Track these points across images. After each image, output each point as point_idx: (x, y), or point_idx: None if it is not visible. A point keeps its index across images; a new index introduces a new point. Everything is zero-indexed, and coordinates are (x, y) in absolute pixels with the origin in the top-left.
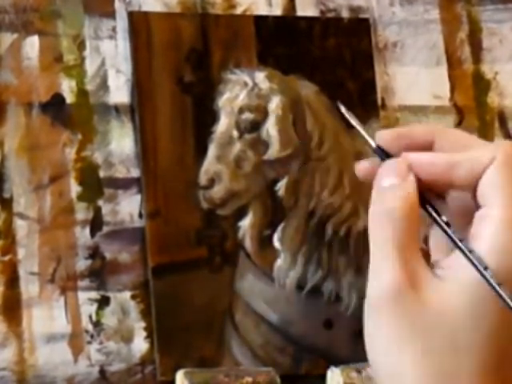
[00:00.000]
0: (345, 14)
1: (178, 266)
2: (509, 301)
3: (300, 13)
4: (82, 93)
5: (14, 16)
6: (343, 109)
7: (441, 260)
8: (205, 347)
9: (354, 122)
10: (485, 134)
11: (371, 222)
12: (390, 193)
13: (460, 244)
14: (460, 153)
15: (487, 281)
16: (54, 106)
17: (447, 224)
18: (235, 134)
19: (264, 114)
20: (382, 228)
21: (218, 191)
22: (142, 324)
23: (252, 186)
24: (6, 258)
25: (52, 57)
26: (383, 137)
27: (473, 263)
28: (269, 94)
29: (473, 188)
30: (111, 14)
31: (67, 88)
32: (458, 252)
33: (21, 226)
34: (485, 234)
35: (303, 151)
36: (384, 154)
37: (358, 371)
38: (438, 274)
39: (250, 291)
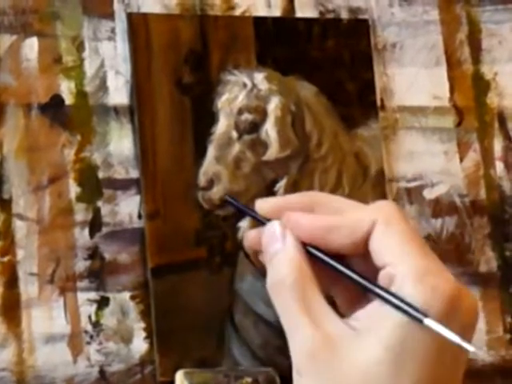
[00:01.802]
0: (344, 15)
1: (177, 267)
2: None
3: (299, 14)
4: (81, 94)
5: (13, 17)
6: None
7: (356, 311)
8: (204, 347)
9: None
10: (484, 134)
11: (271, 294)
12: (275, 260)
13: (370, 285)
14: (339, 216)
15: (409, 310)
16: (53, 107)
17: (354, 272)
18: (234, 134)
19: (263, 114)
20: (280, 298)
21: (217, 192)
22: (142, 324)
23: (251, 187)
24: (5, 259)
25: (51, 58)
26: (263, 207)
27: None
28: (268, 95)
29: (357, 251)
30: (110, 16)
31: (66, 89)
32: (374, 302)
33: (20, 227)
34: (397, 291)
35: (302, 152)
36: (266, 220)
37: None
38: (353, 326)
39: (249, 292)
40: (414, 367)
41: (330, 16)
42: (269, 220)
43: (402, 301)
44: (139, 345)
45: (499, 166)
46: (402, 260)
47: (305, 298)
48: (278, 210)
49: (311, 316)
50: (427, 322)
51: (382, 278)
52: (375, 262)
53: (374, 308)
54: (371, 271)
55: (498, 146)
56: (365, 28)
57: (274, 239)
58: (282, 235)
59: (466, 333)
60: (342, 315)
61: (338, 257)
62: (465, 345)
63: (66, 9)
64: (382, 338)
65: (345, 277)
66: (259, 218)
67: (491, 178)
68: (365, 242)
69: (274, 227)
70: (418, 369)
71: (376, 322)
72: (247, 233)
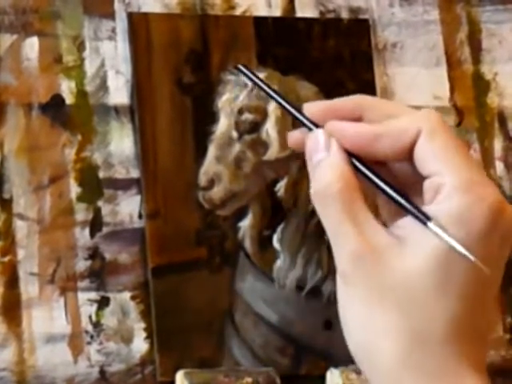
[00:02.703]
0: (344, 15)
1: (177, 267)
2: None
3: (299, 14)
4: (81, 94)
5: (14, 17)
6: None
7: (400, 219)
8: (205, 348)
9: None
10: (484, 134)
11: (314, 202)
12: (319, 169)
13: (400, 199)
14: (384, 124)
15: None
16: (54, 107)
17: (390, 187)
18: (235, 134)
19: (263, 114)
20: (326, 206)
21: (217, 192)
22: (142, 324)
23: (251, 187)
24: (6, 259)
25: (52, 58)
26: (310, 109)
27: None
28: None
29: (402, 159)
30: (111, 15)
31: (67, 89)
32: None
33: (21, 227)
34: (443, 204)
35: (303, 152)
36: (312, 124)
37: (358, 373)
38: (397, 235)
39: (249, 292)
40: (458, 280)
41: (331, 16)
42: (314, 124)
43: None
44: (139, 345)
45: (499, 166)
46: (449, 169)
47: (350, 206)
48: (325, 114)
49: (356, 224)
50: (430, 225)
51: (428, 187)
52: (420, 171)
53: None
54: (416, 179)
55: (498, 145)
56: (365, 28)
57: (318, 147)
58: (326, 144)
59: (505, 242)
60: (386, 225)
61: (383, 164)
62: (466, 252)
63: (66, 8)
64: (426, 249)
65: (381, 191)
66: (303, 120)
67: (491, 177)
68: (410, 150)
69: (318, 135)
70: (461, 283)
71: (419, 233)
72: (290, 132)
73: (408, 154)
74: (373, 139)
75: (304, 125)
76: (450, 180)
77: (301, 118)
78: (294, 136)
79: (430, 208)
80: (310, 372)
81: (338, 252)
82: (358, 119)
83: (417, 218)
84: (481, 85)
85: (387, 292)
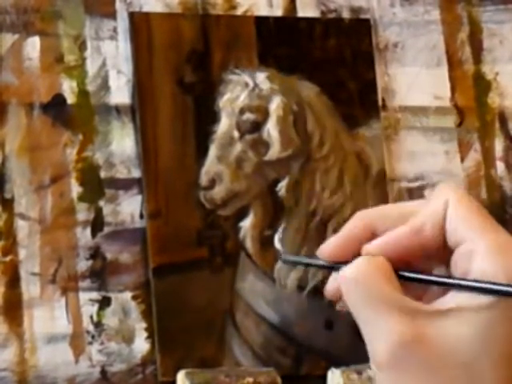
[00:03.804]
0: (345, 15)
1: (178, 267)
2: None
3: (301, 13)
4: (82, 93)
5: (15, 17)
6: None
7: (435, 300)
8: (206, 347)
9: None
10: (485, 134)
11: (348, 301)
12: (351, 271)
13: (455, 280)
14: (416, 216)
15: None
16: (55, 107)
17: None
18: (236, 134)
19: (265, 114)
20: (357, 297)
21: (218, 192)
22: (143, 324)
23: (253, 187)
24: (8, 259)
25: (53, 57)
26: (326, 252)
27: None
28: (269, 95)
29: (440, 243)
30: (112, 15)
31: (68, 88)
32: (451, 291)
33: (22, 227)
34: (477, 267)
35: (304, 152)
36: (336, 266)
37: (359, 373)
38: (437, 309)
39: (250, 292)
40: (503, 345)
41: (332, 16)
42: (336, 263)
43: (495, 283)
44: (141, 345)
45: (500, 166)
46: (480, 235)
47: (382, 290)
48: (344, 249)
49: (394, 307)
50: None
51: (460, 254)
52: (450, 240)
53: (456, 294)
54: (443, 257)
55: (498, 146)
56: (366, 28)
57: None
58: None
59: None
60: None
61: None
62: None
63: (68, 8)
64: (474, 321)
65: (444, 285)
66: (326, 265)
67: (492, 178)
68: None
69: (359, 260)
70: (506, 345)
71: (465, 305)
72: (327, 286)
73: (442, 234)
74: (415, 233)
75: (326, 268)
76: (481, 244)
77: (320, 264)
78: (330, 287)
79: (473, 275)
80: (311, 372)
81: (377, 342)
82: (373, 236)
83: (482, 289)
84: (482, 85)
85: (436, 371)
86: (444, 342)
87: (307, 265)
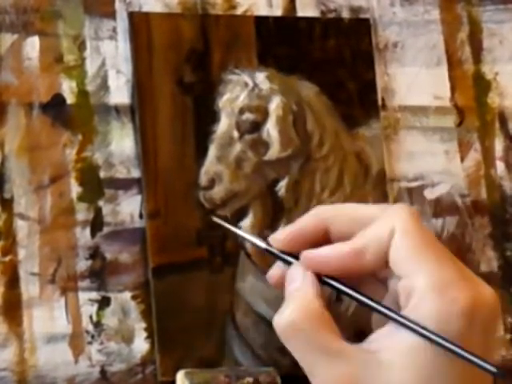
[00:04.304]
0: (345, 15)
1: (178, 267)
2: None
3: (300, 13)
4: (82, 93)
5: (15, 16)
6: (222, 222)
7: (376, 331)
8: (205, 347)
9: (243, 234)
10: (485, 134)
11: (281, 336)
12: (286, 301)
13: (382, 309)
14: (360, 237)
15: (431, 337)
16: (55, 107)
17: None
18: (235, 134)
19: (264, 114)
20: (291, 342)
21: (218, 192)
22: (143, 324)
23: (252, 187)
24: (7, 259)
25: (52, 57)
26: (277, 240)
27: (411, 327)
28: (269, 95)
29: (380, 268)
30: (112, 15)
31: (68, 88)
32: (389, 323)
33: (21, 227)
34: (416, 310)
35: (304, 151)
36: (289, 256)
37: None
38: (373, 350)
39: (250, 291)
40: (446, 381)
41: (332, 15)
42: (287, 254)
43: (423, 327)
44: (140, 345)
45: (500, 166)
46: (420, 271)
47: (316, 336)
48: (293, 241)
49: (328, 351)
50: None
51: (401, 290)
52: (394, 270)
53: (393, 330)
54: (382, 288)
55: (498, 145)
56: (366, 27)
57: (293, 279)
58: (302, 276)
59: (487, 334)
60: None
61: (352, 280)
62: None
63: (67, 8)
64: (411, 362)
65: (364, 305)
66: (281, 256)
67: (492, 177)
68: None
69: (295, 269)
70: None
71: (400, 345)
72: (270, 273)
73: (385, 260)
74: (358, 255)
75: (281, 259)
76: (420, 283)
77: (277, 254)
78: (273, 274)
79: (407, 312)
80: None
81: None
82: (325, 234)
83: (401, 324)
84: (481, 84)
85: None
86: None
87: (268, 251)
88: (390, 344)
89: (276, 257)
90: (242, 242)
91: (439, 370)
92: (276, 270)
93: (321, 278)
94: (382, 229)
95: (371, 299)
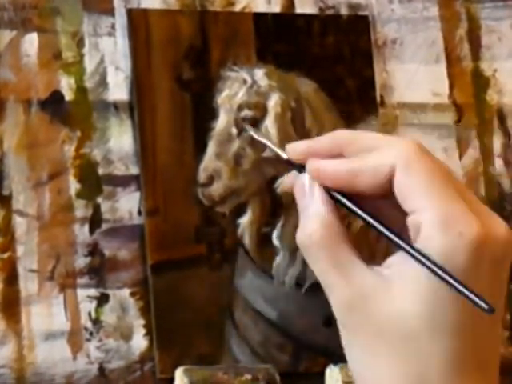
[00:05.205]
0: (344, 11)
1: (177, 264)
2: (464, 290)
3: (299, 10)
4: (80, 90)
5: (13, 13)
6: (252, 132)
7: (388, 256)
8: (204, 344)
9: (263, 139)
10: (484, 131)
11: (300, 248)
12: (303, 217)
13: (392, 236)
14: (359, 159)
15: (434, 269)
16: (53, 103)
17: (380, 223)
18: (234, 131)
19: (263, 111)
20: (310, 255)
21: (217, 188)
22: (142, 321)
23: (251, 184)
24: (5, 256)
25: (51, 54)
26: (293, 150)
27: (416, 258)
28: (268, 92)
29: (384, 195)
30: (110, 11)
31: (66, 85)
32: (400, 251)
33: (20, 223)
34: (424, 244)
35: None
36: (298, 167)
37: None
38: (385, 276)
39: (249, 288)
40: (451, 319)
41: (330, 12)
42: (300, 165)
43: (424, 256)
44: (139, 342)
45: (498, 163)
46: (426, 206)
47: (332, 252)
48: (308, 154)
49: (341, 270)
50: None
51: (410, 225)
52: (403, 208)
53: (404, 257)
54: (402, 215)
55: (497, 143)
56: (365, 24)
57: (303, 193)
58: (310, 188)
59: (498, 270)
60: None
61: (368, 201)
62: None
63: (65, 4)
64: (416, 291)
65: (368, 225)
66: (292, 162)
67: (490, 175)
68: (389, 186)
69: (303, 180)
70: (454, 321)
71: (408, 272)
72: (283, 180)
73: (388, 190)
74: (351, 176)
75: (293, 166)
76: (428, 218)
77: (285, 158)
78: (286, 183)
79: (417, 245)
80: (310, 369)
81: (331, 301)
82: (339, 156)
83: (401, 248)
84: (480, 82)
85: (381, 337)
86: (389, 308)
87: (272, 150)
88: (398, 271)
89: (292, 165)
90: (241, 237)
91: (441, 303)
92: (288, 178)
93: (329, 192)
94: (380, 159)
95: (380, 222)
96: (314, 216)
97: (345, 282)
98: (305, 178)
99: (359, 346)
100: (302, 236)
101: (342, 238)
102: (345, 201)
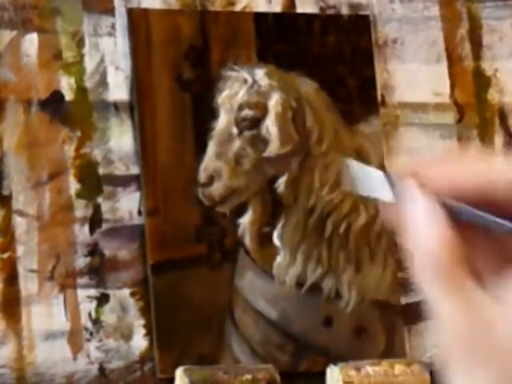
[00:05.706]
0: (344, 11)
1: (177, 263)
2: None
3: (300, 10)
4: (81, 90)
5: (13, 13)
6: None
7: (498, 280)
8: (204, 344)
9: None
10: (485, 130)
11: (420, 273)
12: (424, 238)
13: None
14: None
15: None
16: (53, 103)
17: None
18: (235, 131)
19: (264, 110)
20: (428, 277)
21: (217, 188)
22: (142, 321)
23: (251, 183)
24: (5, 256)
25: (51, 54)
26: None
27: None
28: (268, 91)
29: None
30: (110, 11)
31: (66, 85)
32: None
33: (20, 223)
34: None
35: (303, 148)
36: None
37: (357, 369)
38: (507, 301)
39: (249, 288)
40: None
41: (331, 12)
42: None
43: None
44: (139, 342)
45: None
46: None
47: (456, 280)
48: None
49: (463, 299)
50: None
51: None
52: None
53: None
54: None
55: (498, 142)
56: (365, 24)
57: (418, 219)
58: (429, 212)
59: None
60: (482, 279)
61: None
62: None
63: (66, 4)
64: None
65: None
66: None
67: None
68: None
69: (420, 205)
70: None
71: None
72: (383, 213)
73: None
74: (486, 183)
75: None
76: None
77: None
78: (388, 213)
79: None
80: (310, 369)
81: (444, 326)
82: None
83: None
84: (481, 81)
85: (508, 372)
86: (504, 330)
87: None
88: None
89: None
90: (242, 237)
91: None
92: (391, 209)
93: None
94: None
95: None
96: (438, 241)
97: (467, 312)
98: (421, 202)
99: (481, 381)
100: (421, 256)
101: (465, 261)
102: (469, 208)
